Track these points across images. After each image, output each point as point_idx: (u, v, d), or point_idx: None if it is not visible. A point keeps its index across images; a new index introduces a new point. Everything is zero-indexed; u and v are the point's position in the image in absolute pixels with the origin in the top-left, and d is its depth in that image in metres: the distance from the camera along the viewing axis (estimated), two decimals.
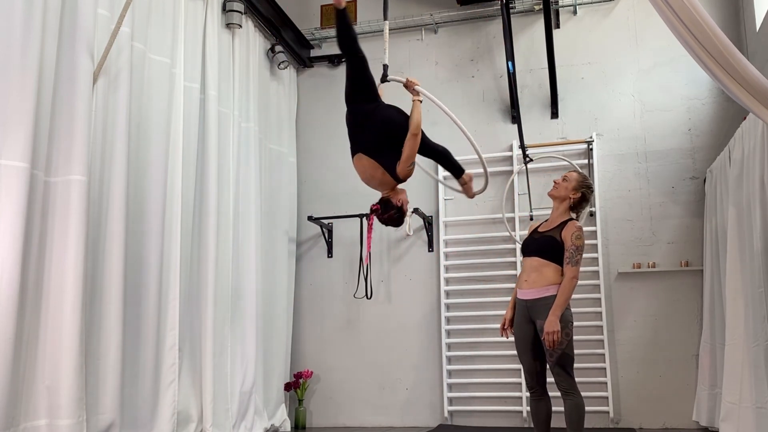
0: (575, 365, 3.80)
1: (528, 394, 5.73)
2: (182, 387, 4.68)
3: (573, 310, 3.88)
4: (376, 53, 6.68)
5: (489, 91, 6.49)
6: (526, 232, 5.93)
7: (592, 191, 4.02)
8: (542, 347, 3.78)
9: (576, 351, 3.82)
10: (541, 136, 6.20)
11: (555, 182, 4.03)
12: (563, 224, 3.84)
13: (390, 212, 3.66)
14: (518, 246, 5.97)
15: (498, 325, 4.13)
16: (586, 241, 5.77)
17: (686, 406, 5.51)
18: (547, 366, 3.81)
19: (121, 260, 4.10)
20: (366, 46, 6.79)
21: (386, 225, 3.75)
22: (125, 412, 4.10)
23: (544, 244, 3.84)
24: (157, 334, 4.45)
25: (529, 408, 5.74)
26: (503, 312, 5.89)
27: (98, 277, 4.00)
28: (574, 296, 3.82)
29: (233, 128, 5.56)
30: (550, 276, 3.76)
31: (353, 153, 3.67)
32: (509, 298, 5.92)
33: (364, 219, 6.31)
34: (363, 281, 6.23)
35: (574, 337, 3.80)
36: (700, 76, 5.72)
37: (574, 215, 3.97)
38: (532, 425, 5.74)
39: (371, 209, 3.72)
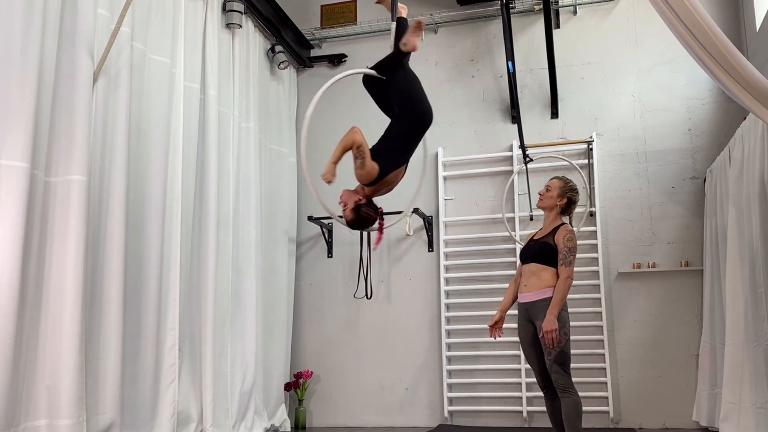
0: (573, 365, 3.88)
1: (528, 394, 5.79)
2: (182, 387, 4.68)
3: (572, 310, 3.96)
4: (376, 53, 6.67)
5: (489, 91, 6.49)
6: (526, 232, 6.01)
7: (577, 192, 4.16)
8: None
9: (576, 351, 3.89)
10: (541, 136, 6.20)
11: (540, 194, 4.20)
12: (555, 230, 4.01)
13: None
14: (518, 246, 5.99)
15: (498, 334, 4.22)
16: (586, 242, 5.86)
17: (686, 406, 5.51)
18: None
19: (121, 260, 4.10)
20: (366, 46, 6.90)
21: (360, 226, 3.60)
22: (125, 412, 4.10)
23: (539, 250, 4.01)
24: (157, 334, 4.45)
25: (528, 408, 5.79)
26: None
27: (98, 277, 4.00)
28: (573, 296, 3.90)
29: (233, 128, 5.56)
30: (547, 279, 3.91)
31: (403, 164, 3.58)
32: None
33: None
34: (363, 281, 6.23)
35: (572, 337, 3.88)
36: (700, 76, 5.72)
37: (567, 219, 4.15)
38: (532, 425, 5.78)
39: (380, 213, 3.57)
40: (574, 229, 4.08)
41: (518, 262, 4.28)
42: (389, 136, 3.55)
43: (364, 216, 3.45)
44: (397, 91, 3.60)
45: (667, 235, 5.86)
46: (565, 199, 4.08)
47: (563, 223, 4.05)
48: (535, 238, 4.15)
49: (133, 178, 4.35)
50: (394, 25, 3.83)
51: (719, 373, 4.86)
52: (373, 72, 3.65)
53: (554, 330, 3.71)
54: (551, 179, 4.22)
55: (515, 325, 5.72)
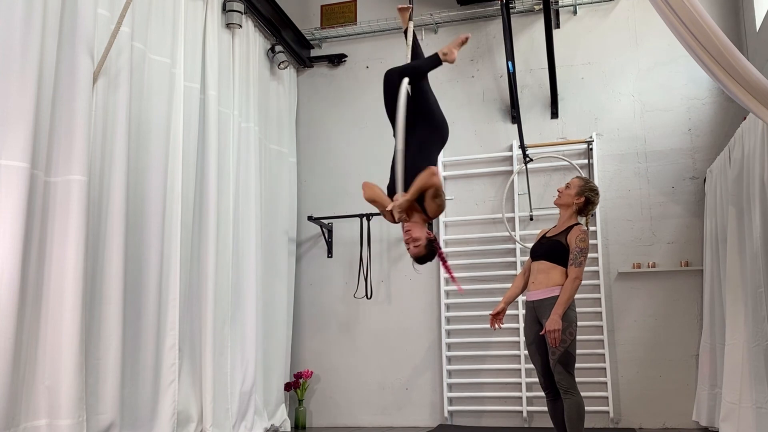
0: (576, 365, 3.85)
1: (528, 394, 5.79)
2: (182, 387, 4.68)
3: None
4: (376, 53, 6.75)
5: (489, 91, 6.49)
6: (526, 232, 6.01)
7: (597, 193, 4.11)
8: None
9: (577, 351, 3.86)
10: (541, 136, 6.20)
11: (558, 191, 4.16)
12: (569, 229, 3.98)
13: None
14: (518, 246, 5.99)
15: (498, 325, 4.19)
16: None
17: (686, 406, 5.51)
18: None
19: (121, 260, 4.10)
20: (366, 46, 6.90)
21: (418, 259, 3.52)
22: (125, 412, 4.11)
23: (550, 248, 3.98)
24: (157, 334, 4.45)
25: (528, 408, 5.79)
26: None
27: (98, 277, 4.00)
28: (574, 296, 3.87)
29: (233, 128, 5.56)
30: (555, 278, 3.89)
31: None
32: None
33: (365, 219, 6.32)
34: (363, 281, 6.24)
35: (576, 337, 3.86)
36: (700, 76, 5.72)
37: (582, 219, 4.10)
38: (532, 425, 5.78)
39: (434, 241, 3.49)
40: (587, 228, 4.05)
41: (524, 258, 4.26)
42: (425, 157, 3.48)
43: (433, 249, 3.49)
44: (424, 102, 3.62)
45: (667, 235, 5.86)
46: (583, 198, 4.03)
47: (578, 223, 4.02)
48: (547, 235, 4.11)
49: (133, 178, 4.35)
50: (410, 35, 3.84)
51: (719, 373, 4.86)
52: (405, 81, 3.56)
53: (557, 330, 3.70)
54: (573, 178, 4.20)
55: (516, 325, 5.79)
